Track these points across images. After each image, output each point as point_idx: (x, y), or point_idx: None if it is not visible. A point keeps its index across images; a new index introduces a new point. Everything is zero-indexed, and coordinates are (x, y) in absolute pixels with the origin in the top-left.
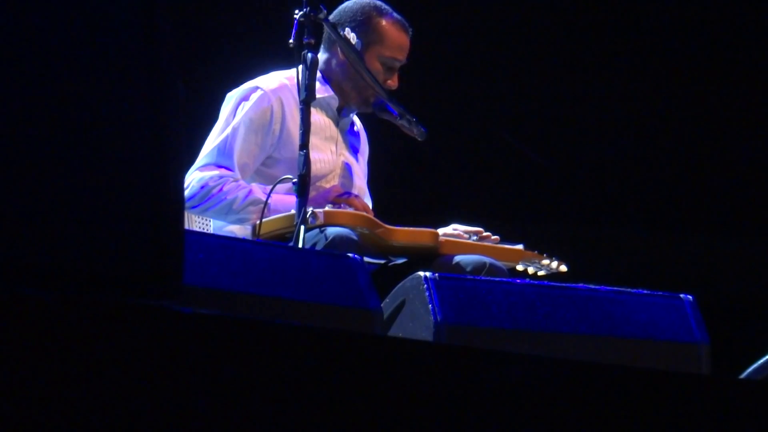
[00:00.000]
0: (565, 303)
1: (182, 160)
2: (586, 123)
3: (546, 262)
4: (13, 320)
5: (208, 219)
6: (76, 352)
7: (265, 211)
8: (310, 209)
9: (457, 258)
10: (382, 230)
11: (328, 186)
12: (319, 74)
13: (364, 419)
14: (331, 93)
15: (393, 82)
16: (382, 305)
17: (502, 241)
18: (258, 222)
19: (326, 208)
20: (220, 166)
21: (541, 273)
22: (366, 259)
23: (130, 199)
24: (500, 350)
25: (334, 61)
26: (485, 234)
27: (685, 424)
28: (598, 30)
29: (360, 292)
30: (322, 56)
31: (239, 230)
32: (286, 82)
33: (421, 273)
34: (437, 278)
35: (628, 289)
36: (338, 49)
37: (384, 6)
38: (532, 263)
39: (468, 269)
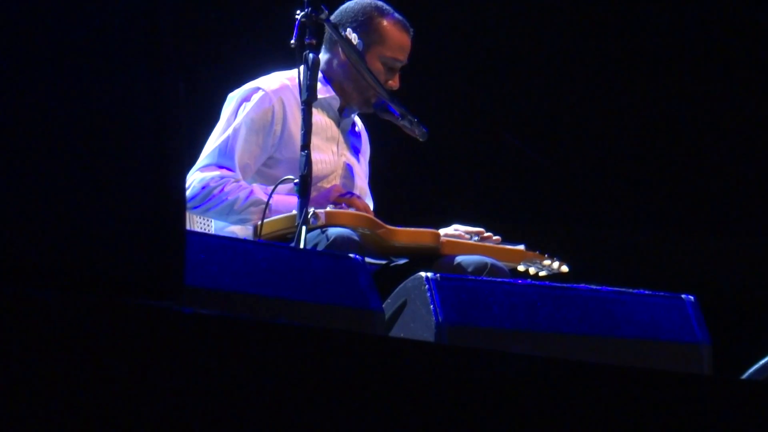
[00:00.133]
0: (567, 303)
1: (184, 160)
2: (588, 123)
3: (547, 262)
4: (15, 320)
5: (210, 219)
6: (78, 352)
7: (267, 211)
8: (311, 210)
9: (459, 258)
10: (383, 231)
11: (329, 186)
12: (320, 75)
13: (366, 420)
14: (333, 93)
15: (394, 83)
16: (383, 306)
17: (504, 241)
18: (259, 222)
19: (328, 209)
20: (221, 167)
21: (542, 273)
22: (367, 259)
23: (132, 200)
24: (502, 351)
25: (335, 62)
26: (487, 234)
27: (687, 424)
28: (598, 30)
29: (361, 292)
30: (323, 57)
31: (240, 231)
32: (288, 82)
33: (423, 273)
34: (439, 279)
35: (630, 290)
36: (339, 49)
37: (385, 6)
38: (533, 264)
39: (469, 270)
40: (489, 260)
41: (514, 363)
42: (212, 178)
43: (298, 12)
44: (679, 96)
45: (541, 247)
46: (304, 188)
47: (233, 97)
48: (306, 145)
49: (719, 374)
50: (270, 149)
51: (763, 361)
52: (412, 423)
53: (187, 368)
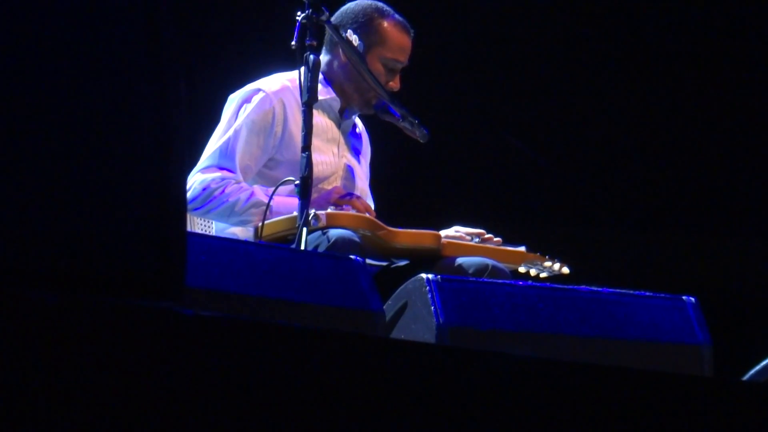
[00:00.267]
0: (568, 305)
1: (185, 162)
2: (588, 124)
3: (548, 264)
4: (15, 322)
5: (211, 221)
6: (78, 353)
7: (268, 213)
8: (312, 211)
9: (460, 260)
10: (384, 232)
11: (330, 188)
12: (321, 76)
13: (367, 421)
14: (333, 95)
15: (395, 84)
16: (384, 307)
17: (505, 243)
18: (260, 224)
19: (328, 210)
20: (222, 168)
21: (543, 275)
22: (368, 261)
23: (133, 201)
24: (503, 352)
25: (336, 63)
26: (487, 236)
27: (688, 426)
28: (598, 30)
29: (362, 293)
30: (324, 58)
31: (241, 232)
32: (288, 84)
33: (424, 275)
34: (440, 280)
35: (631, 291)
36: (340, 50)
37: (386, 7)
38: (534, 265)
39: (470, 271)
40: (490, 262)
41: (516, 364)
42: (213, 180)
43: (298, 13)
44: (680, 96)
45: (542, 248)
46: (305, 190)
47: (234, 99)
48: (307, 146)
49: (720, 376)
50: (271, 150)
51: (764, 363)
52: (414, 424)
53: (188, 370)
